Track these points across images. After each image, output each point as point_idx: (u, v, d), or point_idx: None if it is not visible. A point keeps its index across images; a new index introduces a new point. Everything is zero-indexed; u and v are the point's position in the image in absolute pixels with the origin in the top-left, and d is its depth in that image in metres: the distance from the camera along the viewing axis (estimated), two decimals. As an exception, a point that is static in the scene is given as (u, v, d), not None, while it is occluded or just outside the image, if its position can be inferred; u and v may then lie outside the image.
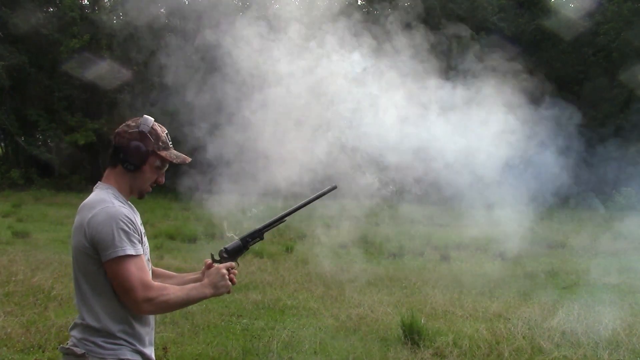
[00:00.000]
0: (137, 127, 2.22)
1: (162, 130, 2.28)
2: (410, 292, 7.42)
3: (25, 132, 24.34)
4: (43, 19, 22.99)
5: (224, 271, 2.28)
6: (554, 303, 6.82)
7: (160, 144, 2.25)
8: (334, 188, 2.69)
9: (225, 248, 2.44)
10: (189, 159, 2.34)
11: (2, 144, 26.52)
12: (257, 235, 2.49)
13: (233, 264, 2.36)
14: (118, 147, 2.22)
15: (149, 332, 2.27)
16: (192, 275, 2.47)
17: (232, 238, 2.48)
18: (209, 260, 2.40)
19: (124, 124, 2.26)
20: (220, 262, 2.40)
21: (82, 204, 2.19)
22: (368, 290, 7.44)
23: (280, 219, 2.55)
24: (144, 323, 2.23)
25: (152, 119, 2.27)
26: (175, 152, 2.31)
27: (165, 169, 2.33)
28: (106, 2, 24.45)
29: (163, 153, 2.26)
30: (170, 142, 2.31)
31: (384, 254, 10.70)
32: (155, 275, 2.39)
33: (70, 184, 22.41)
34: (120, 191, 2.23)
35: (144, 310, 2.13)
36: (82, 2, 24.81)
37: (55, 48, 22.68)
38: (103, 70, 19.17)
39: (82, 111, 23.23)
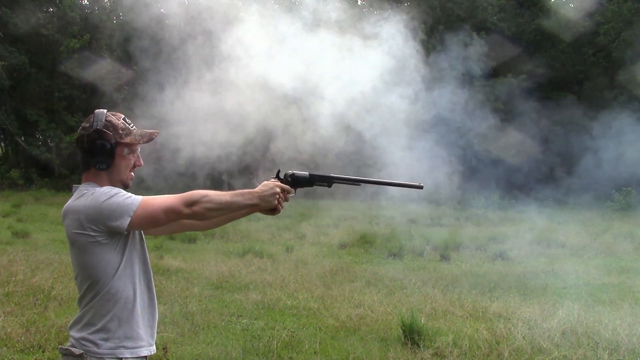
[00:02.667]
0: (92, 126, 2.19)
1: (118, 118, 2.24)
2: (410, 292, 7.41)
3: (25, 132, 24.37)
4: (43, 19, 23.01)
5: (278, 190, 2.24)
6: (554, 303, 6.82)
7: (120, 132, 2.21)
8: (420, 187, 2.60)
9: (293, 172, 2.38)
10: (156, 132, 2.31)
11: (2, 144, 26.54)
12: (326, 180, 2.42)
13: (290, 189, 2.31)
14: (83, 152, 2.21)
15: (149, 331, 2.26)
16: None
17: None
18: (280, 169, 2.36)
19: (80, 128, 2.23)
20: (281, 181, 2.34)
21: (64, 209, 2.17)
22: (368, 290, 7.44)
23: (355, 182, 2.48)
24: (144, 322, 2.23)
25: (104, 111, 2.22)
26: (138, 132, 2.27)
27: (138, 151, 2.30)
28: (106, 2, 24.46)
29: (127, 139, 2.22)
30: (131, 124, 2.26)
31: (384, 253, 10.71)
32: None
33: (70, 184, 22.35)
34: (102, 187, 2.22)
35: (194, 212, 2.10)
36: (82, 2, 24.82)
37: (55, 48, 22.69)
38: (103, 70, 19.18)
39: (82, 111, 23.25)
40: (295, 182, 2.38)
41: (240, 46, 6.02)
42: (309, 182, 2.41)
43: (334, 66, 6.24)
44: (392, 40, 6.52)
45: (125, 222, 2.07)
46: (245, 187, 2.38)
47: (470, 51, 11.37)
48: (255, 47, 6.10)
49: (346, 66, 6.24)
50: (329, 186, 2.44)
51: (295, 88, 6.04)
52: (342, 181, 2.46)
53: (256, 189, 2.22)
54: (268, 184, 2.25)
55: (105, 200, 2.09)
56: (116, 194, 2.11)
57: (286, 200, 2.29)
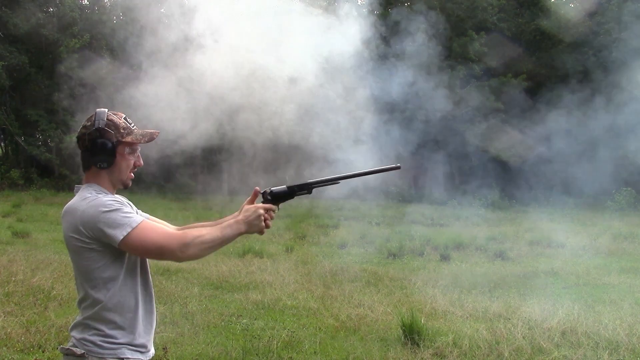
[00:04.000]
0: (93, 125, 2.19)
1: (119, 117, 2.24)
2: (410, 292, 7.41)
3: (25, 132, 24.34)
4: (43, 19, 23.00)
5: (262, 211, 2.25)
6: (554, 303, 6.82)
7: (121, 131, 2.21)
8: (398, 167, 2.59)
9: (270, 189, 2.39)
10: (157, 132, 2.31)
11: (2, 144, 26.53)
12: (306, 187, 2.43)
13: (273, 207, 2.32)
14: (84, 151, 2.21)
15: (149, 330, 2.27)
16: (228, 219, 2.36)
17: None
18: (258, 188, 2.36)
19: (81, 127, 2.23)
20: (263, 201, 2.35)
21: (64, 209, 2.17)
22: (368, 290, 7.44)
23: (334, 181, 2.48)
24: (144, 321, 2.23)
25: (106, 110, 2.22)
26: (140, 131, 2.27)
27: (138, 151, 2.30)
28: (106, 2, 24.47)
29: (128, 138, 2.22)
30: (132, 124, 2.26)
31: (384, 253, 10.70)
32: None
33: (70, 184, 22.41)
34: (103, 187, 2.21)
35: (188, 256, 2.11)
36: (82, 2, 24.81)
37: (55, 48, 22.69)
38: (103, 70, 19.18)
39: (82, 111, 23.23)
40: (275, 198, 2.39)
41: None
42: (289, 195, 2.42)
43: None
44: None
45: (117, 239, 2.07)
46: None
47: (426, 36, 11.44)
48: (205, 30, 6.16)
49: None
50: (309, 192, 2.46)
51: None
52: (320, 184, 2.47)
53: (240, 217, 2.23)
54: (250, 208, 2.26)
55: (105, 211, 2.08)
56: (118, 209, 2.10)
57: (271, 218, 2.31)
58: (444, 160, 19.97)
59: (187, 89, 6.35)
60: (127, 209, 2.15)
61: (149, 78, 6.55)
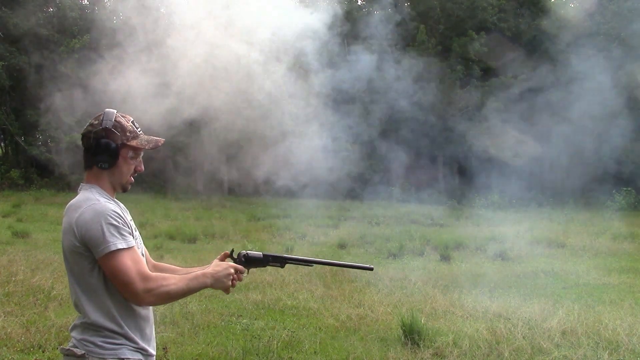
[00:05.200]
0: (101, 124, 2.18)
1: (127, 120, 2.23)
2: (410, 292, 7.41)
3: (25, 132, 24.35)
4: (43, 19, 23.00)
5: (232, 271, 2.25)
6: (554, 303, 6.82)
7: (127, 134, 2.20)
8: (370, 269, 2.69)
9: (246, 252, 2.42)
10: (162, 140, 2.30)
11: (2, 144, 26.54)
12: (279, 260, 2.47)
13: (244, 269, 2.33)
14: (88, 149, 2.19)
15: (149, 329, 2.26)
16: (197, 270, 2.38)
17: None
18: (228, 252, 2.39)
19: (87, 124, 2.21)
20: (235, 261, 2.37)
21: (68, 205, 2.17)
22: (368, 290, 7.44)
23: (308, 262, 2.54)
24: (143, 320, 2.23)
25: (114, 111, 2.21)
26: (145, 137, 2.26)
27: (141, 156, 2.29)
28: (106, 2, 24.46)
29: (133, 142, 2.21)
30: (139, 129, 2.25)
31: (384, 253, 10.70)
32: (159, 270, 2.37)
33: (70, 184, 22.41)
34: (104, 189, 2.21)
35: (145, 302, 2.11)
36: (82, 2, 24.82)
37: (56, 48, 22.68)
38: (103, 70, 19.18)
39: (82, 111, 23.22)
40: (248, 261, 2.41)
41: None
42: (262, 262, 2.45)
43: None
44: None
45: (100, 253, 2.05)
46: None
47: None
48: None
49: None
50: (282, 266, 2.50)
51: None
52: (294, 262, 2.52)
53: (209, 270, 2.23)
54: (222, 265, 2.26)
55: (104, 223, 2.06)
56: (110, 224, 2.07)
57: (239, 280, 2.31)
58: (399, 154, 19.42)
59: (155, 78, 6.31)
60: (126, 229, 2.13)
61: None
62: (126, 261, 2.06)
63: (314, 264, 2.56)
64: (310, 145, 7.12)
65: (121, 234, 2.08)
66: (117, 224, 2.09)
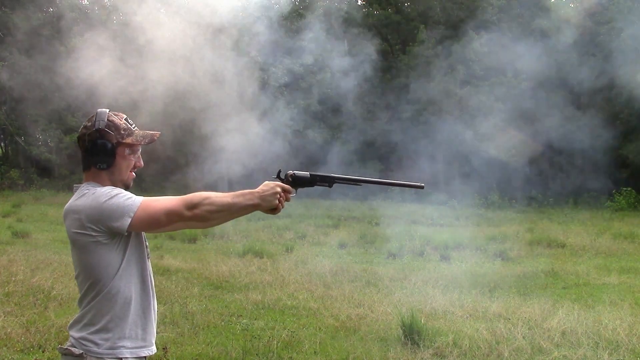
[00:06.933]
0: (94, 125, 2.18)
1: (120, 118, 2.23)
2: (410, 292, 7.41)
3: (25, 132, 24.35)
4: (43, 19, 23.01)
5: (279, 189, 2.22)
6: (554, 303, 6.82)
7: (122, 132, 2.20)
8: (421, 187, 2.60)
9: (294, 172, 2.37)
10: (158, 134, 2.30)
11: (2, 144, 26.54)
12: (327, 180, 2.42)
13: (292, 189, 2.30)
14: (84, 151, 2.20)
15: (150, 330, 2.26)
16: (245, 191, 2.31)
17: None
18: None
19: (81, 127, 2.22)
20: (282, 182, 2.33)
21: (65, 209, 2.17)
22: (368, 290, 7.44)
23: (357, 182, 2.48)
24: (144, 322, 2.22)
25: (107, 111, 2.21)
26: (140, 133, 2.26)
27: (139, 152, 2.30)
28: (106, 2, 24.46)
29: (128, 140, 2.22)
30: (133, 125, 2.25)
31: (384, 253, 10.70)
32: None
33: (70, 184, 22.38)
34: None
35: (195, 215, 2.09)
36: (82, 2, 24.81)
37: (56, 48, 22.68)
38: (103, 70, 19.19)
39: (82, 111, 23.24)
40: (296, 182, 2.37)
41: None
42: (309, 182, 2.40)
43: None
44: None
45: (126, 223, 2.07)
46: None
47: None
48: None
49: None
50: (330, 186, 2.44)
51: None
52: (343, 181, 2.46)
53: (257, 189, 2.21)
54: (269, 184, 2.24)
55: (106, 200, 2.08)
56: (117, 194, 2.11)
57: (287, 200, 2.28)
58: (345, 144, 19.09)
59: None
60: (126, 192, 2.15)
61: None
62: (150, 205, 2.09)
63: (363, 184, 2.50)
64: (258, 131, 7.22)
65: (127, 197, 2.11)
66: (117, 192, 2.11)
